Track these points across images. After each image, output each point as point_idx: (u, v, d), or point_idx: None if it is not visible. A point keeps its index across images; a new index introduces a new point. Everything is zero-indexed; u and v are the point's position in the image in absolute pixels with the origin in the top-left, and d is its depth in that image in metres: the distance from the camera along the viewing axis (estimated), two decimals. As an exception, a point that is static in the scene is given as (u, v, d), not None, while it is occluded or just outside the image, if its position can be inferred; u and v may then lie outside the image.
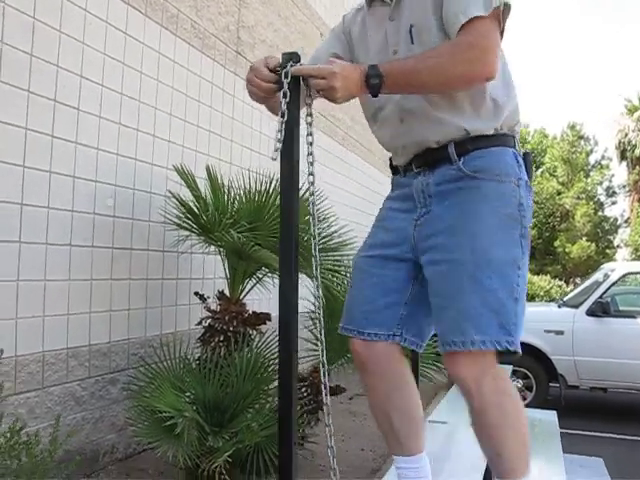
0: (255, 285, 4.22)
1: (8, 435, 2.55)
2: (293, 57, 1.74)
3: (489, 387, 1.73)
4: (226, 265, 4.11)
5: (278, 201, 3.80)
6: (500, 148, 1.84)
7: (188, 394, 3.68)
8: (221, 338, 3.97)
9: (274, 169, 1.76)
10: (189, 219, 3.94)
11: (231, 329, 3.99)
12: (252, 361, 3.82)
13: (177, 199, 3.86)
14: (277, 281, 4.22)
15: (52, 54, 3.52)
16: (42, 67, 3.45)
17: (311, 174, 1.80)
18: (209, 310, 4.06)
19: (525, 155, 1.91)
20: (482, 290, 1.69)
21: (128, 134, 4.11)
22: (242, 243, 3.70)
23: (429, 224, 1.86)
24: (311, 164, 1.80)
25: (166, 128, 4.50)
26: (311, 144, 1.77)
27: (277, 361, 3.93)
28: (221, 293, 4.15)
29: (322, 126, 7.16)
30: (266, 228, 3.92)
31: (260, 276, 4.23)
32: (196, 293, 4.16)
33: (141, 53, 4.23)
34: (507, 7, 1.75)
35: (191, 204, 3.92)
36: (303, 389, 4.17)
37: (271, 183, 3.87)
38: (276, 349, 4.02)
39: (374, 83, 1.67)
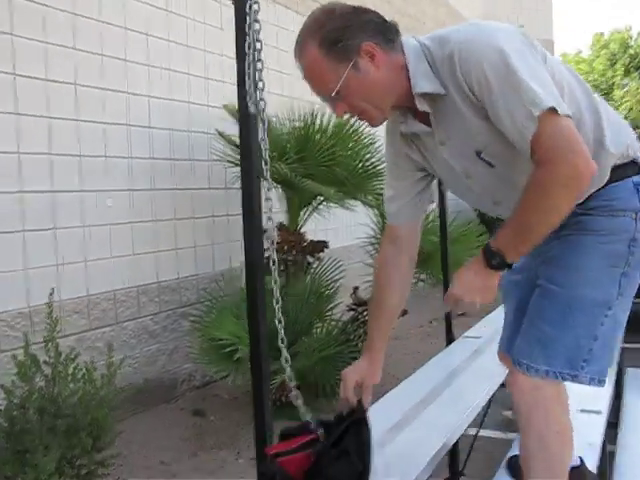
0: (311, 214, 4.31)
1: (65, 363, 2.79)
2: None
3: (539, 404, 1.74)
4: (283, 197, 4.22)
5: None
6: (616, 183, 1.69)
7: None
8: (281, 267, 4.13)
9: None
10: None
11: (290, 258, 4.14)
12: (308, 288, 3.94)
13: (224, 137, 3.97)
14: (334, 210, 4.34)
15: (93, 11, 3.68)
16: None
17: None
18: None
19: None
20: (563, 325, 1.70)
21: (178, 79, 4.24)
22: (290, 175, 3.79)
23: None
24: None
25: (217, 69, 4.59)
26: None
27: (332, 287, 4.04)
28: (281, 224, 4.29)
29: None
30: (313, 158, 3.98)
31: (315, 205, 4.31)
32: (257, 226, 4.31)
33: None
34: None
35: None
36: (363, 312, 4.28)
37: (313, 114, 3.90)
38: (332, 275, 4.16)
39: (497, 263, 1.57)
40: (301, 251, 4.18)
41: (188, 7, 4.36)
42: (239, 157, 3.90)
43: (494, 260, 1.55)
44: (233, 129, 4.10)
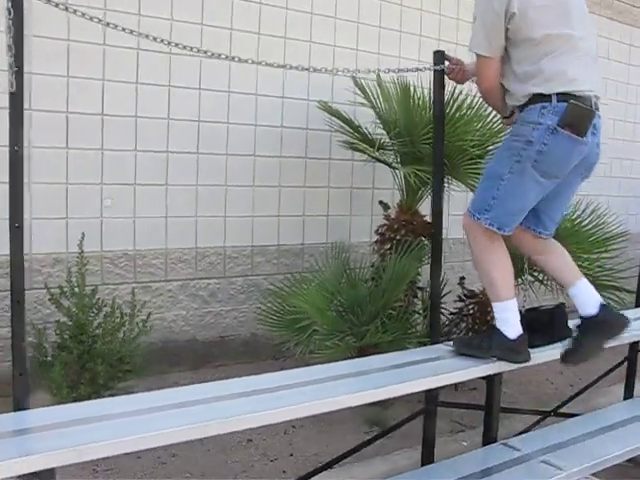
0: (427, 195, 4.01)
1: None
2: None
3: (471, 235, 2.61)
4: (400, 175, 4.01)
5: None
6: (532, 105, 2.47)
7: (340, 297, 3.83)
8: (388, 246, 3.97)
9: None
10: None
11: (397, 237, 3.94)
12: (395, 269, 3.73)
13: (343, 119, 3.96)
14: (452, 192, 3.98)
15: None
16: None
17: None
18: (386, 218, 4.07)
19: (569, 105, 2.41)
20: (481, 185, 2.64)
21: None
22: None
23: None
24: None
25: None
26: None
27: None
28: (400, 203, 4.09)
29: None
30: (418, 136, 3.70)
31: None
32: (380, 202, 4.20)
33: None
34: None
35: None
36: (470, 305, 3.88)
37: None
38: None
39: None
40: (411, 231, 3.93)
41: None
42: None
43: None
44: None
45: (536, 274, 3.99)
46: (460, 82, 2.92)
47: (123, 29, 2.22)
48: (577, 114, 2.41)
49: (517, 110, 2.59)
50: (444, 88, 2.83)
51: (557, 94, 2.43)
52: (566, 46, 2.45)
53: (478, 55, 2.53)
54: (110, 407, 1.91)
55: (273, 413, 1.74)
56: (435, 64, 2.77)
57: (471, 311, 3.91)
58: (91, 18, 2.14)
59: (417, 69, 2.89)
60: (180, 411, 1.83)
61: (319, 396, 1.87)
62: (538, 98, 2.46)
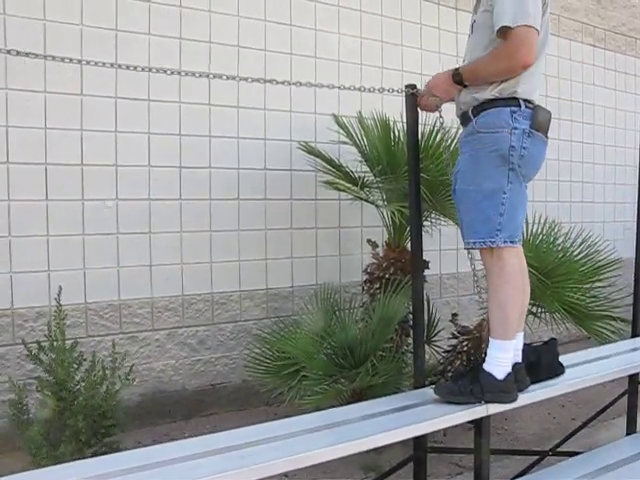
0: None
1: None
2: None
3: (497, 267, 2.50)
4: (387, 213, 3.96)
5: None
6: (499, 109, 2.45)
7: (329, 340, 3.75)
8: (377, 285, 3.90)
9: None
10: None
11: (386, 276, 3.87)
12: (384, 309, 3.65)
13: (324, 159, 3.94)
14: (442, 228, 3.90)
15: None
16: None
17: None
18: (375, 257, 4.01)
19: (534, 109, 2.48)
20: (477, 210, 2.45)
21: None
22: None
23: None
24: None
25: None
26: None
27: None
28: (388, 241, 4.03)
29: None
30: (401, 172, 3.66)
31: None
32: (368, 240, 4.14)
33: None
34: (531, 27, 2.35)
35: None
36: (464, 342, 3.80)
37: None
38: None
39: (457, 80, 2.53)
40: (400, 269, 3.86)
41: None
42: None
43: (457, 77, 2.52)
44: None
45: (529, 307, 3.90)
46: (432, 110, 2.79)
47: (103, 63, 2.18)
48: (544, 117, 2.50)
49: (470, 113, 2.51)
50: (417, 113, 2.76)
51: (524, 100, 2.46)
52: (541, 57, 2.52)
53: (523, 27, 2.32)
54: (83, 470, 1.82)
55: (236, 473, 1.65)
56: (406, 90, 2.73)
57: (465, 348, 3.81)
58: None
59: (385, 90, 2.82)
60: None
61: (289, 452, 1.78)
62: (501, 102, 2.44)
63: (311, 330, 3.79)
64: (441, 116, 2.81)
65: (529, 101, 2.48)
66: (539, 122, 2.46)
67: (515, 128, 2.41)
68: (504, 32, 2.35)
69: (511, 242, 2.45)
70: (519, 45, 2.34)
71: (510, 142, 2.40)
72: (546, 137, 2.53)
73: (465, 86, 2.53)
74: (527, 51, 2.35)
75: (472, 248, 2.54)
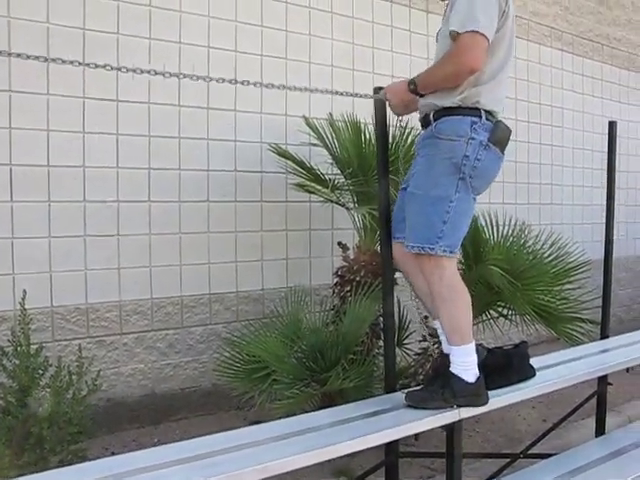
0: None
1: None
2: None
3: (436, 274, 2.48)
4: (357, 216, 3.94)
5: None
6: (460, 117, 2.45)
7: (300, 343, 3.71)
8: (348, 288, 3.88)
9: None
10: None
11: (357, 279, 3.85)
12: (355, 312, 3.63)
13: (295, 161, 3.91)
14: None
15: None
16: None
17: None
18: (345, 260, 3.99)
19: (495, 124, 2.49)
20: (422, 214, 2.45)
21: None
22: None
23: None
24: None
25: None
26: None
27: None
28: (359, 244, 4.01)
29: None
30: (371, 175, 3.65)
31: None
32: (339, 243, 4.12)
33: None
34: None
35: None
36: (435, 345, 3.82)
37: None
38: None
39: (412, 88, 2.54)
40: (371, 272, 3.84)
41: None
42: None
43: (412, 85, 2.53)
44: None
45: (500, 309, 3.92)
46: (401, 113, 2.81)
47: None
48: (503, 133, 2.51)
49: (431, 117, 2.51)
50: (385, 116, 2.73)
51: (485, 111, 2.47)
52: (506, 67, 2.55)
53: (470, 32, 2.35)
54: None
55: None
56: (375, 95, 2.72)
57: (436, 351, 3.80)
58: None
59: (356, 95, 2.82)
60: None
61: (259, 460, 1.75)
62: (463, 111, 2.45)
63: (282, 333, 3.75)
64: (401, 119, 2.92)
65: (491, 113, 2.50)
66: (498, 137, 2.47)
67: (472, 138, 2.42)
68: (453, 37, 2.40)
69: (450, 252, 2.44)
70: (465, 50, 2.36)
71: (465, 151, 2.42)
72: (502, 153, 2.52)
73: (422, 95, 2.55)
74: (473, 56, 2.37)
75: (412, 252, 2.50)
